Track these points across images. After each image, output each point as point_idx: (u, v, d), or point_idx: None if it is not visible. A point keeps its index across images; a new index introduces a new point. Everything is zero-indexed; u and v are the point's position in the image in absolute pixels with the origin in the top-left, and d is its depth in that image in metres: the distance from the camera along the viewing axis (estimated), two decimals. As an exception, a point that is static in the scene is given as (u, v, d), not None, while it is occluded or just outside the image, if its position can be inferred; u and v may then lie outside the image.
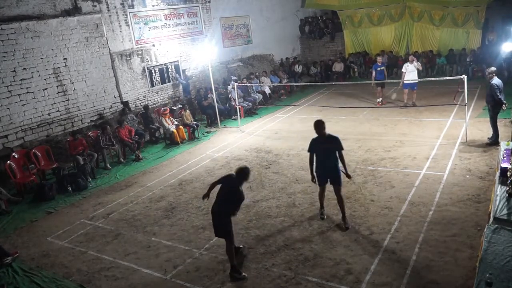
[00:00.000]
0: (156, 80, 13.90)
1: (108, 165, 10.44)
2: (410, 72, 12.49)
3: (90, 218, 7.73)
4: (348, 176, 6.35)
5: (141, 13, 13.33)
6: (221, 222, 5.35)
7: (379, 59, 14.10)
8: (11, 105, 9.99)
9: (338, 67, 18.77)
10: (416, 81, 12.56)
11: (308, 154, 6.34)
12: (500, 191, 5.42)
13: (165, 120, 11.95)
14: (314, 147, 6.27)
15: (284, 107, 14.78)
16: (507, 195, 5.25)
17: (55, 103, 10.92)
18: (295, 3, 20.55)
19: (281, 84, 16.81)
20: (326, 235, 6.09)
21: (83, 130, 11.38)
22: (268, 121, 13.40)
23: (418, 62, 12.81)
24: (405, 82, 12.77)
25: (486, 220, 5.64)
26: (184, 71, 14.89)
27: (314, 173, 6.35)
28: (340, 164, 6.25)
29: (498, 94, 8.59)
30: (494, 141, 8.86)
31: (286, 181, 8.28)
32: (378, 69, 13.65)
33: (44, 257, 6.48)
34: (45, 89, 10.69)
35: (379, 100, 13.81)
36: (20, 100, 10.17)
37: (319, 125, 6.21)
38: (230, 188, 5.36)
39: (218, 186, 5.56)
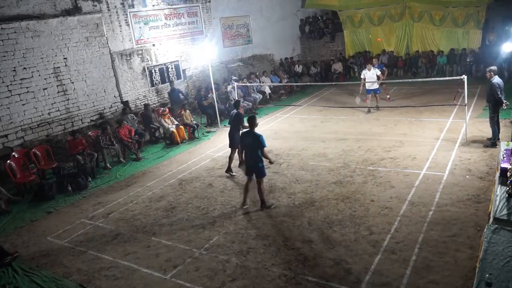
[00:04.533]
0: (156, 80, 13.90)
1: (108, 165, 10.44)
2: (370, 78, 12.66)
3: (90, 217, 7.73)
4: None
5: (141, 13, 13.34)
6: (254, 166, 6.92)
7: (374, 61, 14.15)
8: (11, 104, 9.99)
9: (337, 67, 18.78)
10: (377, 86, 12.75)
11: None
12: (500, 191, 5.42)
13: (164, 120, 11.96)
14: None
15: (284, 107, 14.78)
16: (507, 195, 5.24)
17: (55, 102, 10.93)
18: (295, 3, 20.55)
19: (281, 84, 16.81)
20: (326, 235, 6.09)
21: (83, 130, 11.38)
22: (268, 121, 13.39)
23: (377, 69, 13.08)
24: (366, 88, 12.93)
25: (486, 220, 5.64)
26: (184, 71, 14.90)
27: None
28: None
29: (499, 93, 8.58)
30: (491, 143, 8.84)
31: (286, 181, 8.28)
32: None
33: (44, 256, 6.48)
34: (45, 88, 10.69)
35: (388, 96, 14.08)
36: (20, 100, 10.17)
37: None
38: (249, 139, 6.87)
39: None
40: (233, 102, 9.42)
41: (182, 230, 6.81)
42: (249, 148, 6.98)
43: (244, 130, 7.22)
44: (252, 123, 7.02)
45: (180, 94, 13.89)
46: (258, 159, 6.92)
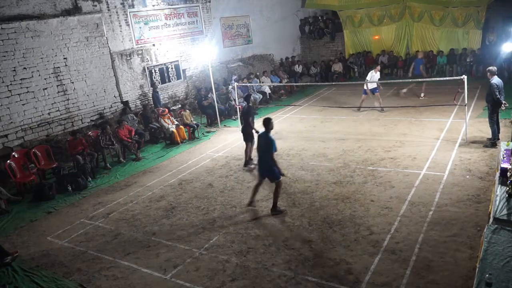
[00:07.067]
0: (156, 80, 13.90)
1: (108, 165, 10.44)
2: (375, 79, 12.74)
3: (90, 217, 7.73)
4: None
5: (141, 13, 13.33)
6: (266, 170, 6.79)
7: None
8: (11, 104, 9.99)
9: (337, 67, 18.79)
10: (375, 85, 12.82)
11: None
12: (500, 191, 5.42)
13: (164, 120, 11.96)
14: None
15: (284, 107, 14.79)
16: (507, 195, 5.24)
17: (55, 102, 10.92)
18: (295, 3, 20.55)
19: (281, 84, 16.81)
20: (326, 235, 6.09)
21: (83, 130, 11.38)
22: (268, 121, 13.37)
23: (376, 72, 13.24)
24: (364, 88, 12.97)
25: (486, 220, 5.64)
26: (184, 71, 14.89)
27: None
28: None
29: (497, 93, 8.58)
30: (491, 143, 8.84)
31: (286, 181, 8.26)
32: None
33: (44, 256, 6.48)
34: (45, 88, 10.69)
35: (404, 90, 14.24)
36: (20, 100, 10.17)
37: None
38: (263, 141, 6.73)
39: None
40: (244, 95, 9.80)
41: (182, 230, 6.81)
42: (262, 151, 6.83)
43: (260, 131, 6.94)
44: (267, 124, 6.78)
45: (160, 97, 13.73)
46: (270, 162, 6.76)
